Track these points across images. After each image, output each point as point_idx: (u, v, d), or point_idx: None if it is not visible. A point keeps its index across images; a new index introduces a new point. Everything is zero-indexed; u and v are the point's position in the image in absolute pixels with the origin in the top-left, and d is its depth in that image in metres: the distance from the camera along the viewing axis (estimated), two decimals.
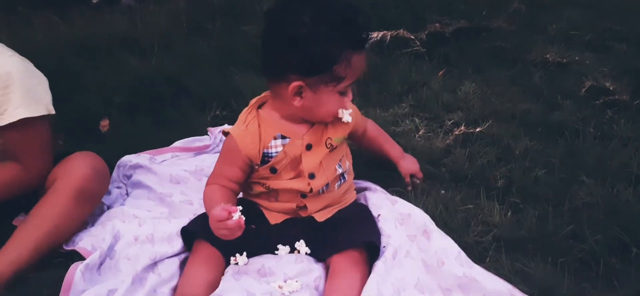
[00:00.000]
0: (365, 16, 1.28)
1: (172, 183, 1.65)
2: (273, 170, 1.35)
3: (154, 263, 1.36)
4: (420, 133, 1.85)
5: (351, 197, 1.48)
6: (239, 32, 2.61)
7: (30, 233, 1.39)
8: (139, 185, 1.66)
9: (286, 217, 1.40)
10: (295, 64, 1.23)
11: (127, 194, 1.66)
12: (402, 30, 2.44)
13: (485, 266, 1.32)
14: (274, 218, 1.40)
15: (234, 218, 1.18)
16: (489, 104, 1.99)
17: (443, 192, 1.59)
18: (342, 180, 1.42)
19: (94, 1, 3.23)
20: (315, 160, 1.35)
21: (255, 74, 2.21)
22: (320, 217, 1.39)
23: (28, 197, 1.51)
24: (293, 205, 1.39)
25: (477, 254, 1.37)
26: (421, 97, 2.06)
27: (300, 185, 1.36)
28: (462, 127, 1.86)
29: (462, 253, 1.33)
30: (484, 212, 1.49)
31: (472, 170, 1.66)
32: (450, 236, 1.39)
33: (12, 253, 1.36)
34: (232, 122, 1.96)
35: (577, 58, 2.29)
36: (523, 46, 2.39)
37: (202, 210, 1.51)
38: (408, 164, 1.60)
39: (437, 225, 1.43)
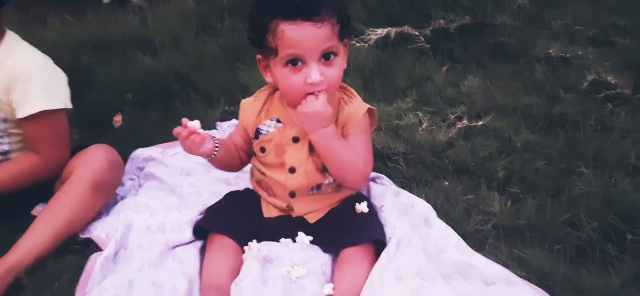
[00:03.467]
0: None
1: (182, 175, 1.71)
2: (262, 150, 1.40)
3: (170, 250, 1.40)
4: (423, 126, 1.89)
5: (346, 196, 1.46)
6: (246, 30, 2.66)
7: (50, 222, 1.45)
8: (150, 176, 1.72)
9: (280, 213, 1.44)
10: (250, 39, 1.33)
11: (140, 185, 1.72)
12: (406, 26, 2.48)
13: (485, 253, 1.36)
14: (268, 212, 1.44)
15: (190, 126, 1.29)
16: (492, 98, 2.03)
17: (446, 183, 1.63)
18: (340, 188, 1.43)
19: (105, 1, 3.31)
20: (299, 156, 1.37)
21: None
22: (312, 219, 1.42)
23: (46, 188, 1.58)
24: (284, 204, 1.42)
25: (477, 242, 1.41)
26: (425, 92, 2.11)
27: (280, 176, 1.39)
28: (465, 121, 1.90)
29: (462, 241, 1.37)
30: (484, 201, 1.53)
31: (473, 162, 1.70)
32: (451, 225, 1.43)
33: (32, 240, 1.43)
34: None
35: (580, 53, 2.32)
36: (527, 42, 2.42)
37: (211, 201, 1.57)
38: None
39: (439, 215, 1.47)
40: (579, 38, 2.46)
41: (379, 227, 1.40)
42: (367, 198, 1.48)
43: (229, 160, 1.45)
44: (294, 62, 1.26)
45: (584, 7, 2.74)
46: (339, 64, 1.30)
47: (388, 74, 2.24)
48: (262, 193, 1.47)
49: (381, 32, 2.46)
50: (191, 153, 1.37)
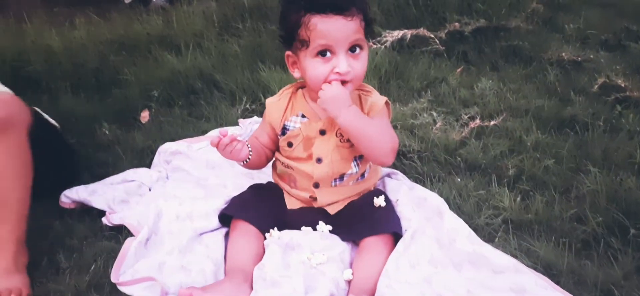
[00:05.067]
0: None
1: (207, 168, 1.80)
2: (289, 144, 1.48)
3: (199, 236, 1.49)
4: (437, 125, 1.97)
5: (366, 190, 1.54)
6: (267, 31, 2.76)
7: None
8: (178, 169, 1.81)
9: (302, 205, 1.52)
10: (281, 37, 1.42)
11: (167, 177, 1.82)
12: (422, 29, 2.56)
13: (494, 245, 1.44)
14: (291, 204, 1.53)
15: (228, 135, 1.37)
16: (504, 100, 2.10)
17: (458, 179, 1.71)
18: (360, 179, 1.52)
19: (126, 1, 3.41)
20: (326, 147, 1.45)
21: (282, 70, 2.36)
22: (332, 210, 1.50)
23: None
24: (306, 195, 1.50)
25: (487, 235, 1.49)
26: (439, 93, 2.18)
27: (307, 167, 1.47)
28: (478, 121, 1.98)
29: (472, 233, 1.44)
30: (495, 197, 1.60)
31: (485, 160, 1.77)
32: (462, 218, 1.51)
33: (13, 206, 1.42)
34: (260, 115, 2.13)
35: (591, 56, 2.38)
36: (540, 45, 2.49)
37: (235, 191, 1.66)
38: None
39: (451, 209, 1.55)
40: (591, 42, 2.52)
41: (397, 220, 1.47)
42: (384, 193, 1.55)
43: (257, 160, 1.53)
44: (323, 52, 1.36)
45: (597, 11, 2.80)
46: (364, 59, 1.40)
47: (404, 75, 2.32)
48: (284, 186, 1.55)
49: (397, 34, 2.54)
50: (231, 159, 1.45)
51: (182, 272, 1.38)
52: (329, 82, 1.38)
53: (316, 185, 1.49)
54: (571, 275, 1.33)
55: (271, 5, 2.91)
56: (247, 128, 2.03)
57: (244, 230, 1.44)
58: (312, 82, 1.41)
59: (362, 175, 1.52)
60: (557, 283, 1.31)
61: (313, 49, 1.36)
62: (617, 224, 1.45)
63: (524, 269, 1.33)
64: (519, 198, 1.59)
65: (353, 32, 1.35)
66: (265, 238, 1.45)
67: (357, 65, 1.38)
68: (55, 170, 1.73)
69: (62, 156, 1.83)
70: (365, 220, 1.45)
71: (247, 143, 1.47)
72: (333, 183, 1.49)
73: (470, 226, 1.48)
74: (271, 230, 1.46)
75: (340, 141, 1.45)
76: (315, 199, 1.50)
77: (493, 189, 1.64)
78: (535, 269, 1.35)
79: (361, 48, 1.39)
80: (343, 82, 1.38)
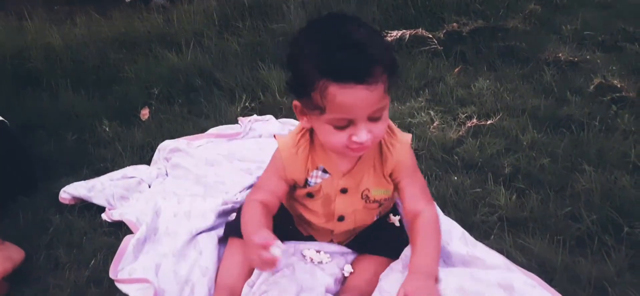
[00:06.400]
0: (368, 51, 1.10)
1: (206, 166, 1.82)
2: (310, 195, 1.34)
3: (193, 239, 1.49)
4: (434, 124, 1.99)
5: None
6: (266, 30, 2.78)
7: None
8: (177, 166, 1.83)
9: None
10: (287, 82, 1.21)
11: (166, 174, 1.84)
12: (420, 29, 2.57)
13: (490, 242, 1.45)
14: (305, 232, 1.45)
15: (271, 252, 1.12)
16: (501, 99, 2.12)
17: (455, 177, 1.73)
18: (376, 218, 1.42)
19: (127, 0, 3.42)
20: (348, 207, 1.33)
21: (281, 69, 2.37)
22: (345, 241, 1.44)
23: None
24: (322, 240, 1.43)
25: (483, 232, 1.50)
26: (437, 92, 2.20)
27: (328, 225, 1.37)
28: (474, 120, 1.99)
29: (466, 234, 1.45)
30: (491, 195, 1.62)
31: (481, 158, 1.79)
32: (458, 216, 1.54)
33: None
34: (260, 113, 2.15)
35: (588, 57, 2.40)
36: (537, 46, 2.51)
37: (234, 190, 1.68)
38: (411, 287, 1.18)
39: (447, 207, 1.58)
40: (588, 43, 2.54)
41: (405, 241, 1.37)
42: (400, 213, 1.47)
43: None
44: (341, 125, 1.15)
45: (594, 13, 2.82)
46: (385, 118, 1.20)
47: (402, 74, 2.34)
48: (294, 216, 1.44)
49: (396, 34, 2.56)
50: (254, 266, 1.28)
51: (173, 276, 1.39)
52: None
53: (332, 231, 1.41)
54: (565, 272, 1.35)
55: (271, 4, 2.93)
56: (247, 126, 2.05)
57: (242, 251, 1.35)
58: (327, 146, 1.24)
59: (380, 216, 1.43)
60: (551, 279, 1.33)
61: (330, 119, 1.14)
62: (611, 222, 1.47)
63: (515, 268, 1.34)
64: (514, 196, 1.61)
65: (376, 102, 1.12)
66: None
67: (377, 129, 1.17)
68: (5, 169, 1.71)
69: (10, 154, 1.77)
70: (376, 238, 1.41)
71: (279, 247, 1.15)
72: (351, 230, 1.41)
73: (466, 223, 1.50)
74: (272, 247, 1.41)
75: (367, 202, 1.33)
76: (331, 241, 1.44)
77: (489, 187, 1.66)
78: (530, 265, 1.37)
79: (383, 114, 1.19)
80: (363, 148, 1.19)
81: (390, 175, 1.30)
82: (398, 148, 1.28)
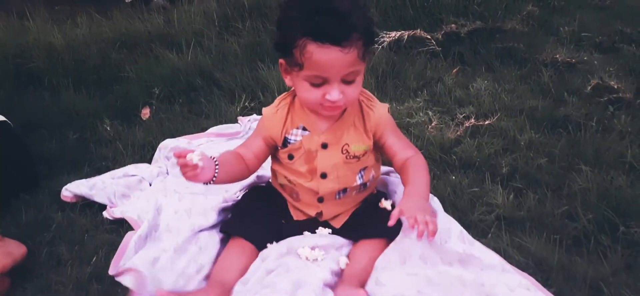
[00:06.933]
0: (346, 17, 1.23)
1: None
2: (290, 157, 1.43)
3: (195, 236, 1.50)
4: (433, 124, 2.01)
5: (369, 194, 1.52)
6: (266, 30, 2.80)
7: None
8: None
9: (307, 217, 1.50)
10: (276, 44, 1.33)
11: (167, 173, 1.85)
12: (419, 30, 2.59)
13: (487, 241, 1.47)
14: (298, 216, 1.51)
15: (188, 157, 1.25)
16: (499, 100, 2.14)
17: (453, 177, 1.74)
18: (363, 188, 1.48)
19: (127, 0, 3.44)
20: (330, 162, 1.41)
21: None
22: (337, 223, 1.49)
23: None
24: (312, 212, 1.48)
25: (480, 231, 1.52)
26: (435, 92, 2.22)
27: (312, 184, 1.43)
28: (472, 120, 2.01)
29: (464, 232, 1.46)
30: (488, 194, 1.64)
31: (479, 158, 1.81)
32: (456, 215, 1.55)
33: None
34: (259, 113, 2.17)
35: (585, 58, 2.42)
36: (535, 47, 2.52)
37: (233, 188, 1.69)
38: (407, 204, 1.28)
39: (445, 206, 1.59)
40: (586, 44, 2.56)
41: (399, 225, 1.39)
42: (391, 198, 1.53)
43: (232, 176, 1.43)
44: (316, 82, 1.29)
45: (591, 14, 2.84)
46: (359, 83, 1.33)
47: (400, 74, 2.36)
48: (287, 197, 1.52)
49: (394, 35, 2.57)
50: (194, 182, 1.33)
51: (171, 272, 1.40)
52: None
53: (320, 199, 1.46)
54: (561, 271, 1.37)
55: (270, 5, 2.95)
56: (247, 125, 2.07)
57: (239, 247, 1.42)
58: (303, 102, 1.38)
59: (365, 184, 1.49)
60: (548, 278, 1.35)
61: (306, 75, 1.29)
62: (607, 221, 1.48)
63: (510, 268, 1.35)
64: (511, 196, 1.63)
65: (349, 65, 1.26)
66: (265, 247, 1.44)
67: (350, 91, 1.31)
68: (7, 167, 1.72)
69: (12, 153, 1.79)
70: (368, 223, 1.45)
71: (212, 158, 1.34)
72: (337, 196, 1.46)
73: (464, 222, 1.52)
74: (270, 245, 1.44)
75: (347, 157, 1.42)
76: (321, 214, 1.49)
77: (487, 186, 1.68)
78: (526, 264, 1.38)
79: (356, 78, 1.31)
80: (335, 107, 1.32)
81: (374, 135, 1.42)
82: (378, 108, 1.43)
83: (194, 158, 1.28)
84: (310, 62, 1.25)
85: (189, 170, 1.28)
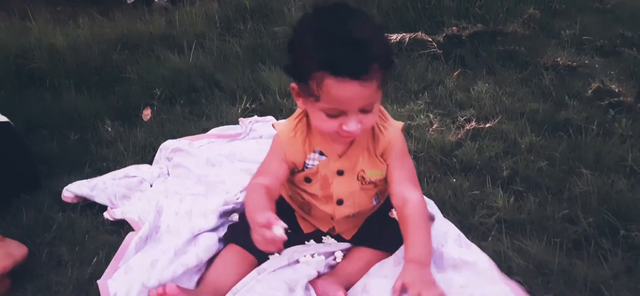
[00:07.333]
0: (367, 49, 1.14)
1: (207, 165, 1.84)
2: (307, 180, 1.38)
3: (194, 237, 1.50)
4: (433, 127, 2.01)
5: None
6: (267, 32, 2.80)
7: None
8: (178, 166, 1.85)
9: (316, 229, 1.49)
10: (287, 65, 1.25)
11: (168, 174, 1.86)
12: (420, 32, 2.59)
13: (487, 244, 1.47)
14: (307, 228, 1.49)
15: (273, 231, 1.12)
16: (500, 103, 2.14)
17: (453, 180, 1.74)
18: (374, 203, 1.45)
19: (129, 1, 3.44)
20: (346, 189, 1.36)
21: (282, 71, 2.39)
22: (348, 235, 1.48)
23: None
24: (324, 228, 1.47)
25: (481, 234, 1.52)
26: (436, 95, 2.22)
27: (327, 208, 1.39)
28: (473, 123, 2.01)
29: (462, 235, 1.46)
30: (489, 197, 1.64)
31: (480, 161, 1.81)
32: (456, 218, 1.55)
33: None
34: (260, 114, 2.17)
35: (586, 62, 2.42)
36: (536, 50, 2.52)
37: (234, 189, 1.70)
38: (410, 276, 1.22)
39: (446, 209, 1.60)
40: (587, 48, 2.56)
41: (401, 240, 1.35)
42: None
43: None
44: (333, 114, 1.21)
45: (593, 18, 2.84)
46: (376, 110, 1.26)
47: (401, 77, 2.36)
48: (296, 209, 1.48)
49: (396, 37, 2.57)
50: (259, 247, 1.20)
51: (169, 273, 1.39)
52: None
53: (332, 218, 1.43)
54: (562, 274, 1.37)
55: (272, 7, 2.95)
56: (248, 126, 2.07)
57: (238, 257, 1.40)
58: (318, 130, 1.31)
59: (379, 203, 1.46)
60: (548, 282, 1.35)
61: (323, 108, 1.20)
62: (607, 225, 1.49)
63: (499, 278, 1.34)
64: (512, 199, 1.63)
65: (368, 97, 1.19)
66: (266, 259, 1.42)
67: (367, 120, 1.23)
68: (8, 168, 1.72)
69: (14, 153, 1.79)
70: (377, 233, 1.44)
71: (282, 227, 1.15)
72: (351, 216, 1.43)
73: (464, 225, 1.52)
74: (271, 256, 1.42)
75: (363, 184, 1.37)
76: (333, 229, 1.47)
77: (487, 189, 1.68)
78: (527, 267, 1.39)
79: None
80: (352, 136, 1.26)
81: (382, 156, 1.35)
82: (390, 130, 1.34)
83: (281, 233, 1.13)
84: (328, 96, 1.17)
85: (270, 244, 1.15)
